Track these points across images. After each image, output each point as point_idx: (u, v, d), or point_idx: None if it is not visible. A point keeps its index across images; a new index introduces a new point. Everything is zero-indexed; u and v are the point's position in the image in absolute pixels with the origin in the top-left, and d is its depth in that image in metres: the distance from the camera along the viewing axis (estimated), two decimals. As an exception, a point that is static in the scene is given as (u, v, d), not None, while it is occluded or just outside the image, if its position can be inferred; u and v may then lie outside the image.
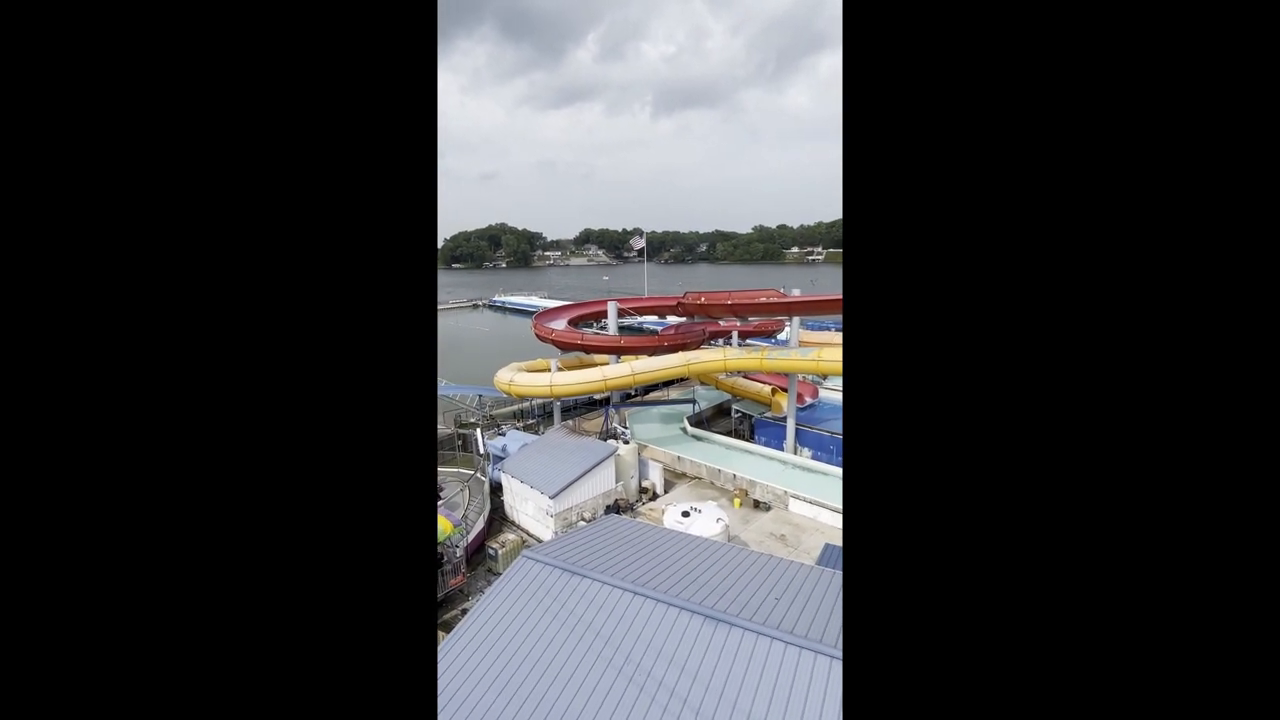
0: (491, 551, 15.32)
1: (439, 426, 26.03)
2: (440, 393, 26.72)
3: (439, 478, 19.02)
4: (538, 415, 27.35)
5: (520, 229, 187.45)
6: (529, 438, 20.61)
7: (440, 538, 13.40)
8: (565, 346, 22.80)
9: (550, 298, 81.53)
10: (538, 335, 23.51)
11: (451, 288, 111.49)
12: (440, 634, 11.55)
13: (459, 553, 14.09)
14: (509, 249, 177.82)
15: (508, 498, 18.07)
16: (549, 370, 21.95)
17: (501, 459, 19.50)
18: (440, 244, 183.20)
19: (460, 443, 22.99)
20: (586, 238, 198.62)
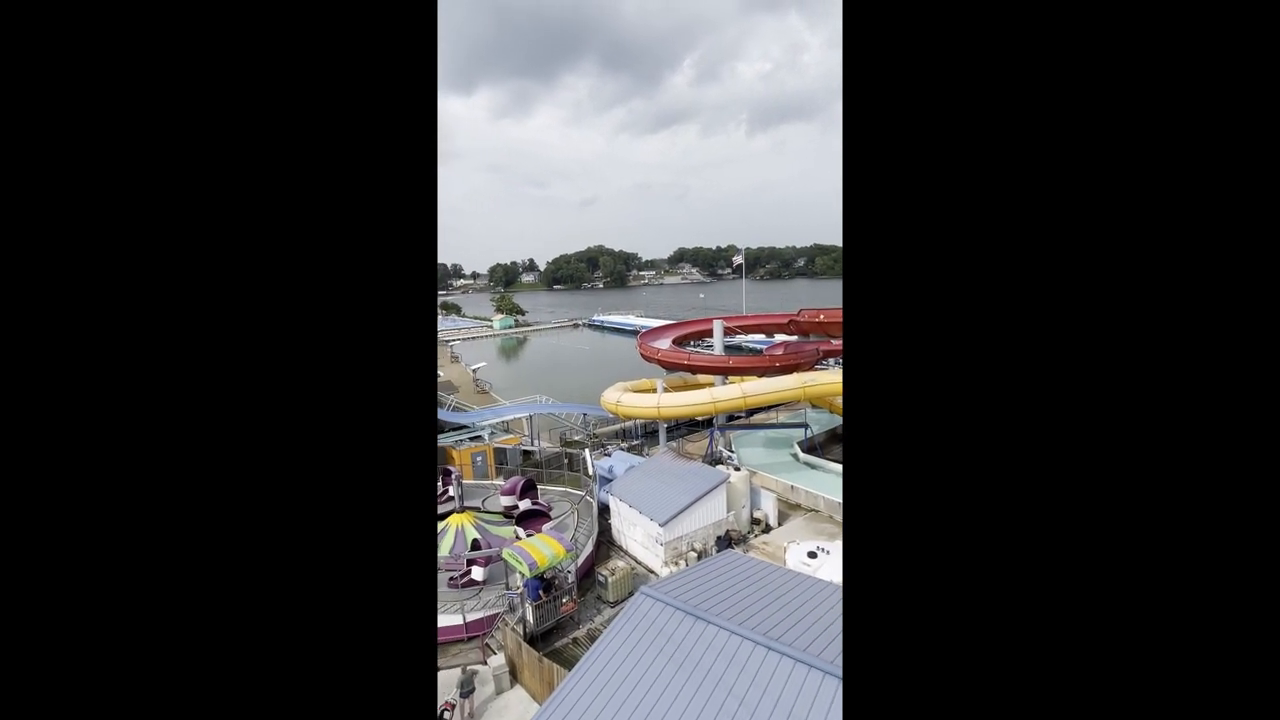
0: (601, 578, 14.83)
1: (544, 444, 26.65)
2: (545, 410, 27.24)
3: (546, 496, 19.05)
4: (640, 435, 26.97)
5: (617, 250, 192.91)
6: (634, 459, 20.14)
7: (553, 561, 13.13)
8: (671, 366, 22.25)
9: (646, 316, 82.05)
10: (643, 355, 23.19)
11: (552, 308, 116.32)
12: (551, 663, 11.15)
13: (570, 578, 13.75)
14: (606, 270, 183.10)
15: (615, 521, 17.61)
16: (655, 391, 21.46)
17: (608, 480, 19.16)
18: (542, 267, 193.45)
19: (567, 461, 23.08)
20: (680, 257, 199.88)
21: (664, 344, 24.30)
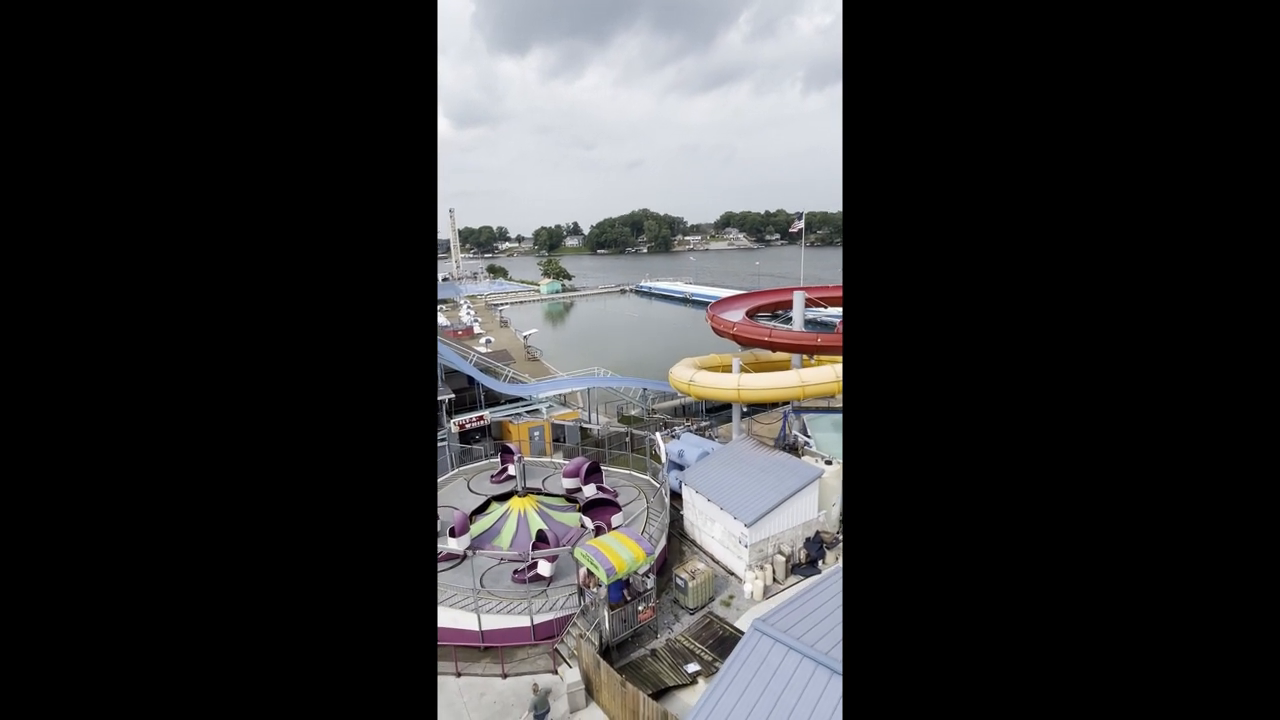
0: (680, 582, 13.26)
1: (604, 420, 25.33)
2: (604, 384, 25.76)
3: (610, 480, 17.61)
4: (705, 414, 25.15)
5: (661, 214, 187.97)
6: (705, 444, 18.30)
7: (632, 566, 11.57)
8: (748, 343, 20.02)
9: (695, 283, 79.35)
10: (715, 329, 21.03)
11: (597, 272, 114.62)
12: (637, 690, 9.64)
13: (649, 582, 12.21)
14: (650, 234, 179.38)
15: (689, 513, 15.97)
16: (729, 369, 19.37)
17: (678, 466, 17.50)
18: (586, 231, 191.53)
19: (628, 439, 21.56)
20: (727, 221, 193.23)
21: (737, 316, 22.00)
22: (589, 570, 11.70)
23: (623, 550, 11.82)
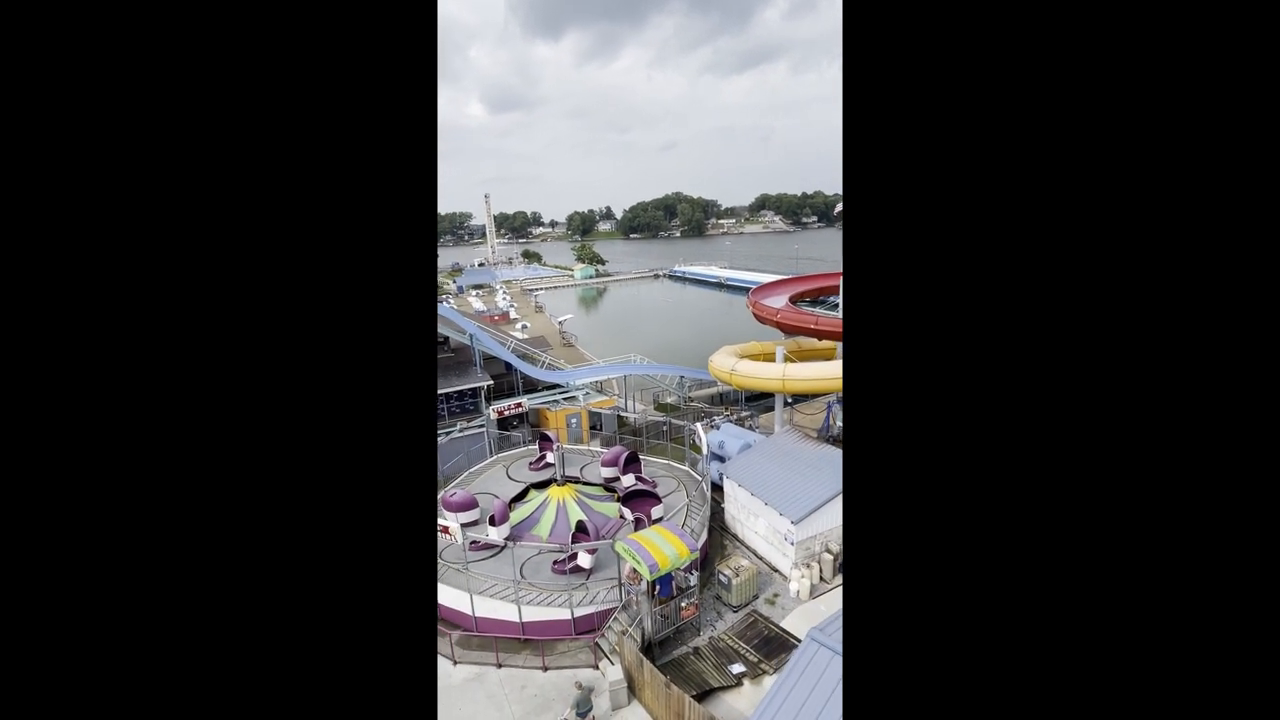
0: (723, 579, 12.88)
1: (640, 408, 25.02)
2: (641, 371, 25.41)
3: (648, 469, 17.29)
4: (744, 403, 24.53)
5: (695, 197, 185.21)
6: (746, 435, 17.75)
7: (675, 563, 11.23)
8: (791, 330, 19.24)
9: (730, 267, 77.91)
10: (756, 316, 20.31)
11: (630, 256, 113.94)
12: (682, 693, 9.33)
13: (692, 579, 11.85)
14: (683, 218, 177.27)
15: (730, 507, 15.52)
16: (772, 357, 18.66)
17: (719, 458, 17.02)
18: (619, 215, 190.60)
19: (666, 428, 21.17)
20: (762, 204, 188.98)
21: (779, 302, 21.17)
22: (633, 567, 11.41)
23: (665, 545, 11.48)
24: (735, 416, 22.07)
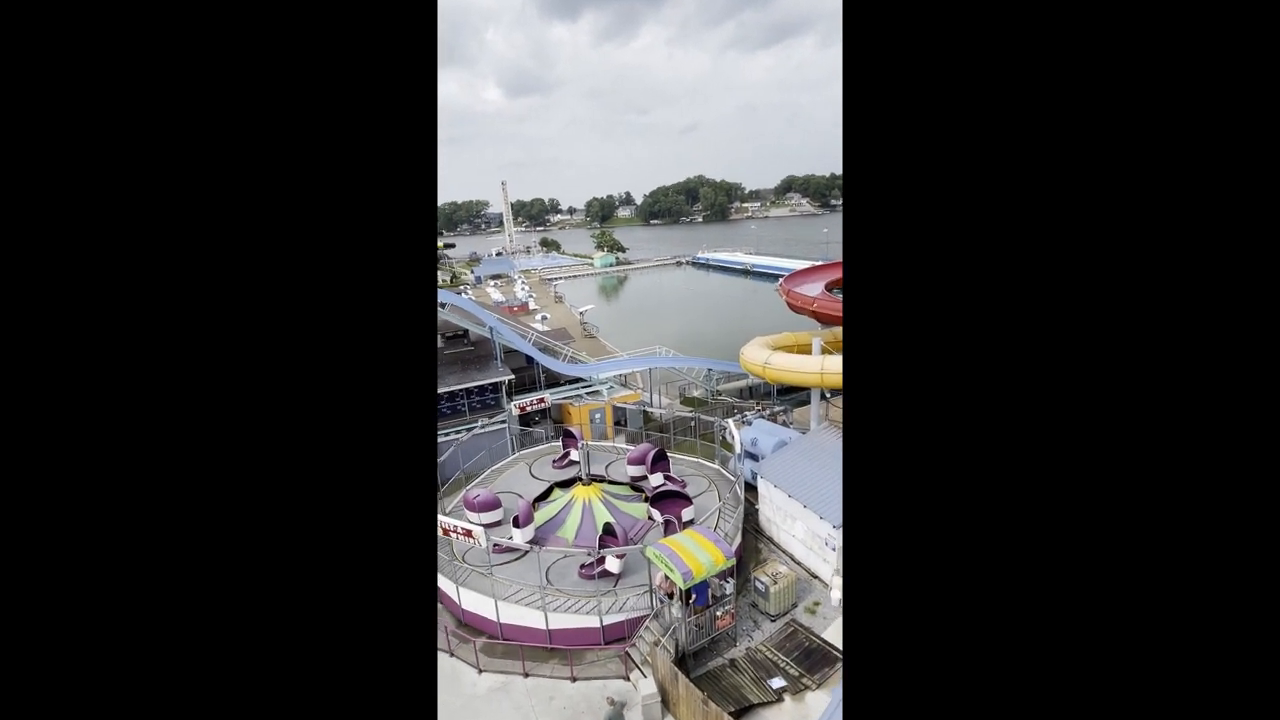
0: (760, 586, 12.40)
1: (666, 402, 24.56)
2: (667, 364, 24.95)
3: (677, 468, 16.87)
4: (777, 397, 23.87)
5: (718, 180, 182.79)
6: (781, 431, 17.18)
7: (711, 570, 10.79)
8: (828, 320, 18.45)
9: (756, 253, 76.53)
10: (790, 305, 19.54)
11: (650, 243, 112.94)
12: (720, 710, 8.90)
13: (728, 587, 11.41)
14: (706, 202, 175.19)
15: (765, 509, 15.00)
16: (808, 349, 17.93)
17: (751, 455, 16.50)
18: (639, 200, 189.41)
19: (694, 424, 20.68)
20: (788, 186, 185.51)
21: (814, 290, 20.34)
22: (665, 574, 11.00)
23: (699, 551, 11.05)
24: (768, 411, 21.45)
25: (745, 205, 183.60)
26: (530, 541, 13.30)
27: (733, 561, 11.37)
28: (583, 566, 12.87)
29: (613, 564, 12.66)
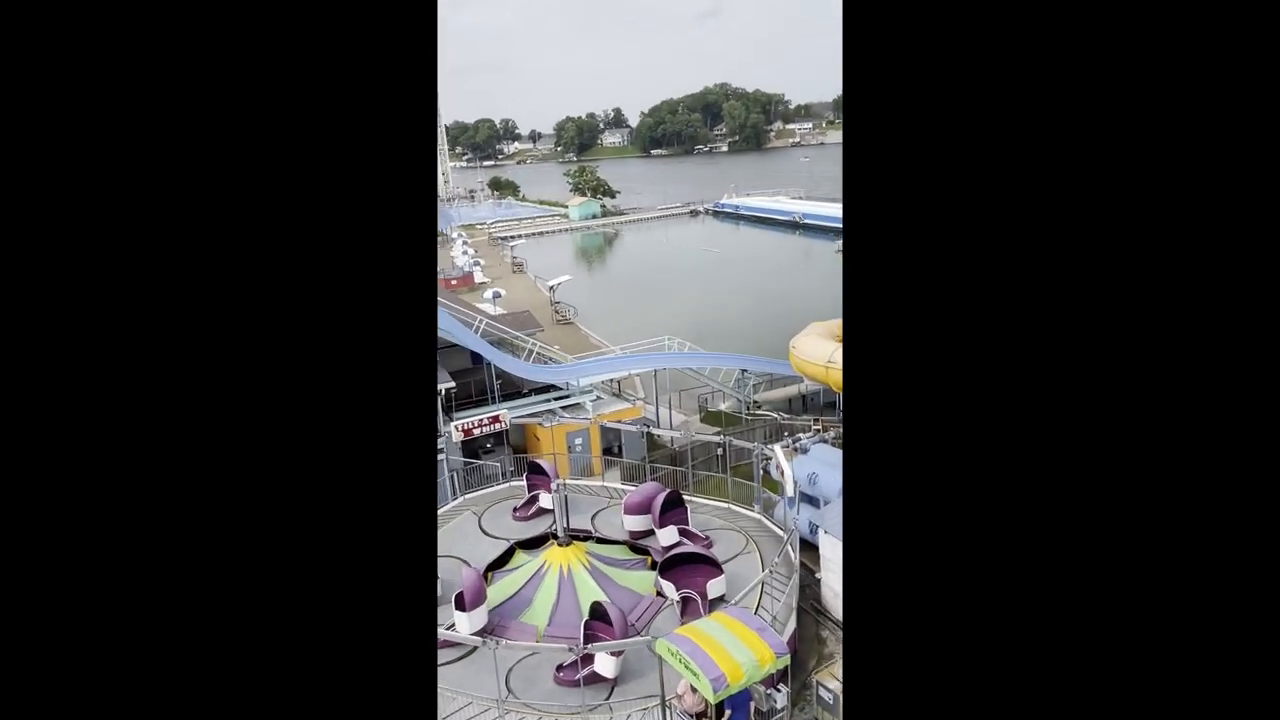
0: (826, 695, 12.37)
1: (681, 419, 24.62)
2: (679, 364, 25.06)
3: (699, 516, 16.89)
4: (839, 410, 23.89)
5: (750, 91, 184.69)
6: (853, 462, 17.12)
7: (752, 674, 10.74)
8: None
9: (808, 198, 76.98)
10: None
11: (653, 183, 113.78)
12: None
13: (780, 697, 11.37)
14: (733, 123, 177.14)
15: (831, 578, 15.05)
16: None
17: (811, 499, 16.64)
18: (635, 121, 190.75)
19: (722, 452, 20.70)
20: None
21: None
22: (690, 684, 10.94)
23: (736, 646, 11.01)
24: (832, 434, 21.43)
25: (791, 127, 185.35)
26: (481, 632, 13.26)
27: (786, 659, 11.33)
28: (561, 668, 12.84)
29: (605, 664, 12.62)
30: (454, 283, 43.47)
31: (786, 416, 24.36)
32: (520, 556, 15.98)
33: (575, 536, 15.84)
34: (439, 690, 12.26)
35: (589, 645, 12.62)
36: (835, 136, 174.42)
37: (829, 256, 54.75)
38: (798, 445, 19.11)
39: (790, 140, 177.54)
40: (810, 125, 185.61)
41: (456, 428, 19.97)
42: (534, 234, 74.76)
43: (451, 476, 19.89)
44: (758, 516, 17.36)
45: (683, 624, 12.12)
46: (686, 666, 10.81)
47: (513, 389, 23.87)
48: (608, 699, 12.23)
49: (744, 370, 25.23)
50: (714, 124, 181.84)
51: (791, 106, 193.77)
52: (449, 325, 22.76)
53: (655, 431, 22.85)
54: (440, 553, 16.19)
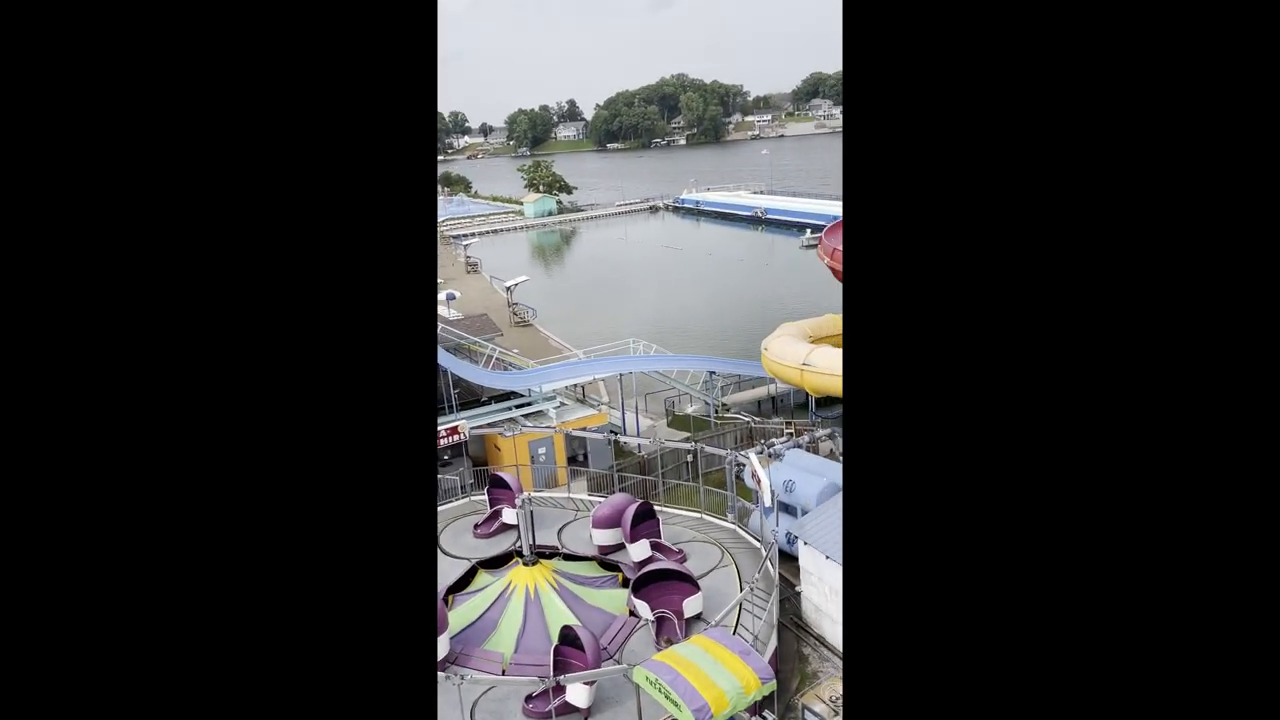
0: (813, 719, 12.11)
1: (648, 424, 24.52)
2: (646, 367, 24.92)
3: (672, 528, 16.67)
4: (814, 411, 23.90)
5: (708, 82, 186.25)
6: (828, 467, 17.15)
7: (736, 702, 10.49)
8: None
9: (769, 192, 77.64)
10: (835, 271, 19.58)
11: (610, 178, 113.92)
12: None
13: (763, 726, 11.06)
14: (691, 115, 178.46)
15: (813, 592, 14.99)
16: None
17: (789, 508, 16.51)
18: (590, 114, 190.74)
19: (690, 459, 20.47)
20: (814, 88, 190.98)
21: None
22: (669, 713, 10.60)
23: (718, 671, 10.77)
24: (806, 438, 21.32)
25: (750, 119, 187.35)
26: (442, 663, 12.92)
27: (773, 684, 11.11)
28: (530, 699, 12.47)
29: (578, 694, 12.27)
30: (405, 284, 42.68)
31: (757, 420, 24.25)
32: (483, 577, 15.73)
33: (541, 554, 15.65)
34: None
35: (560, 676, 12.23)
36: (795, 128, 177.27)
37: (793, 252, 55.12)
38: (772, 450, 18.94)
39: (749, 133, 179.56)
40: (769, 117, 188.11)
41: (411, 440, 19.40)
42: (488, 232, 74.19)
43: (407, 492, 19.36)
44: (732, 526, 17.24)
45: (659, 645, 11.81)
46: (667, 696, 10.53)
47: (471, 397, 23.47)
48: (581, 729, 11.93)
49: (712, 372, 25.18)
50: (671, 116, 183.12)
51: (750, 98, 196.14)
52: (401, 331, 22.27)
53: (621, 438, 22.74)
54: (396, 576, 15.69)
